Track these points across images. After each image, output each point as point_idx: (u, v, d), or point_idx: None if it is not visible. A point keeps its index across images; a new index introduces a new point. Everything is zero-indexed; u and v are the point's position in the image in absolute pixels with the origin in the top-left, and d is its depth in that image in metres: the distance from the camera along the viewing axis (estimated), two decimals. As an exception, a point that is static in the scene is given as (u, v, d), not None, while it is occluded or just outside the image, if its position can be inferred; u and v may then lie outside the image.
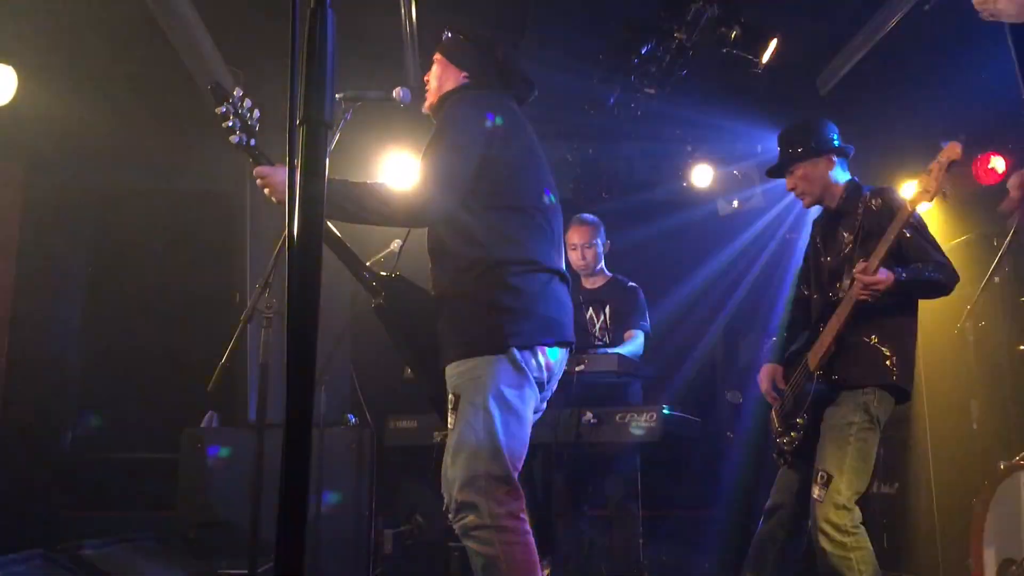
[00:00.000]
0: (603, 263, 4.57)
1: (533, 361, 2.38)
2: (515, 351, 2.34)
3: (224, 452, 4.60)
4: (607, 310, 4.46)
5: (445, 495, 2.48)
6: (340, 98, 2.75)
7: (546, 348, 2.42)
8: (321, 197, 1.09)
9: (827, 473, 2.89)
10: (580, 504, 4.32)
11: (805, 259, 3.43)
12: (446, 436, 3.90)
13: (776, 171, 3.37)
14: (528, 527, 2.32)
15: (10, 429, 5.11)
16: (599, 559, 4.41)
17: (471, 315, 2.38)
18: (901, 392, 3.02)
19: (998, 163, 4.87)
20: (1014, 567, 2.80)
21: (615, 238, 4.68)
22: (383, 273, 2.58)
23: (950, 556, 3.94)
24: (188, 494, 4.65)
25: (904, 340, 3.04)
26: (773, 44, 4.36)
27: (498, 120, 2.50)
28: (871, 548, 2.90)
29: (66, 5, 4.39)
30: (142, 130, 5.39)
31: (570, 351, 2.58)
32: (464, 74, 2.67)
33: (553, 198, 2.60)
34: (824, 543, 2.87)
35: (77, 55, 4.76)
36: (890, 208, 3.04)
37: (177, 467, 4.72)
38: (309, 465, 1.03)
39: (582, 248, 4.46)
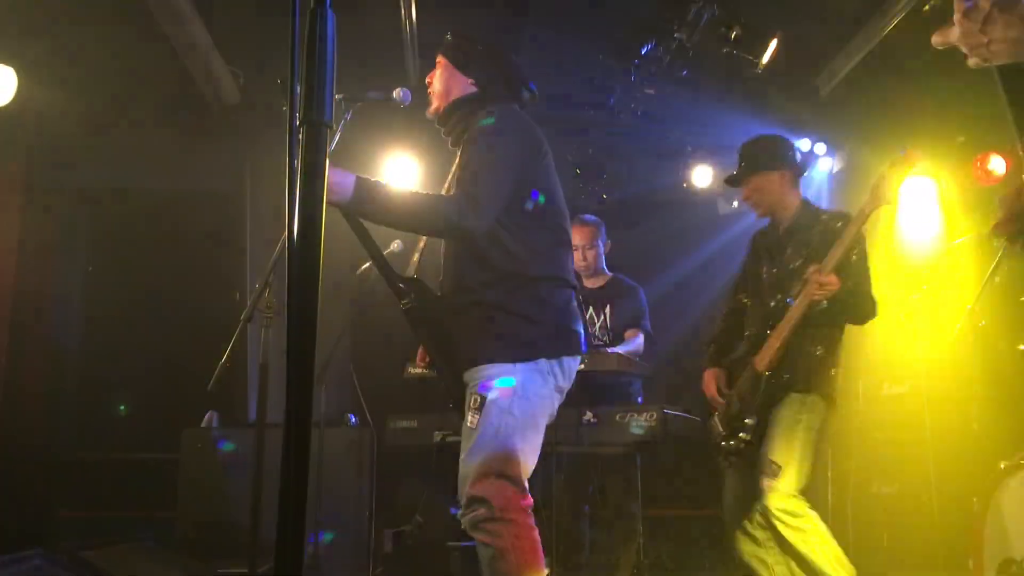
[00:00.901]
0: (604, 263, 4.58)
1: (559, 371, 2.47)
2: (544, 361, 2.43)
3: (229, 447, 4.62)
4: (608, 310, 4.46)
5: (462, 500, 2.51)
6: (340, 98, 2.74)
7: (569, 359, 2.51)
8: (321, 197, 1.09)
9: (777, 464, 3.05)
10: (580, 504, 4.32)
11: (743, 270, 3.56)
12: (446, 436, 3.91)
13: (733, 181, 3.48)
14: (535, 523, 2.38)
15: (10, 429, 5.11)
16: (599, 559, 4.41)
17: (507, 323, 2.44)
18: (833, 403, 3.25)
19: (998, 163, 4.87)
20: (1014, 567, 2.80)
21: (615, 238, 4.68)
22: (408, 276, 2.59)
23: (950, 556, 3.94)
24: (188, 494, 4.64)
25: (839, 356, 3.28)
26: (773, 44, 4.36)
27: (529, 137, 2.55)
28: (825, 527, 3.03)
29: (66, 5, 4.39)
30: (142, 130, 5.38)
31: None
32: (471, 81, 2.67)
33: (565, 211, 2.64)
34: (783, 529, 3.01)
35: (77, 55, 4.76)
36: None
37: (177, 467, 4.72)
38: (309, 465, 1.03)
39: (583, 249, 4.46)
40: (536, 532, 2.36)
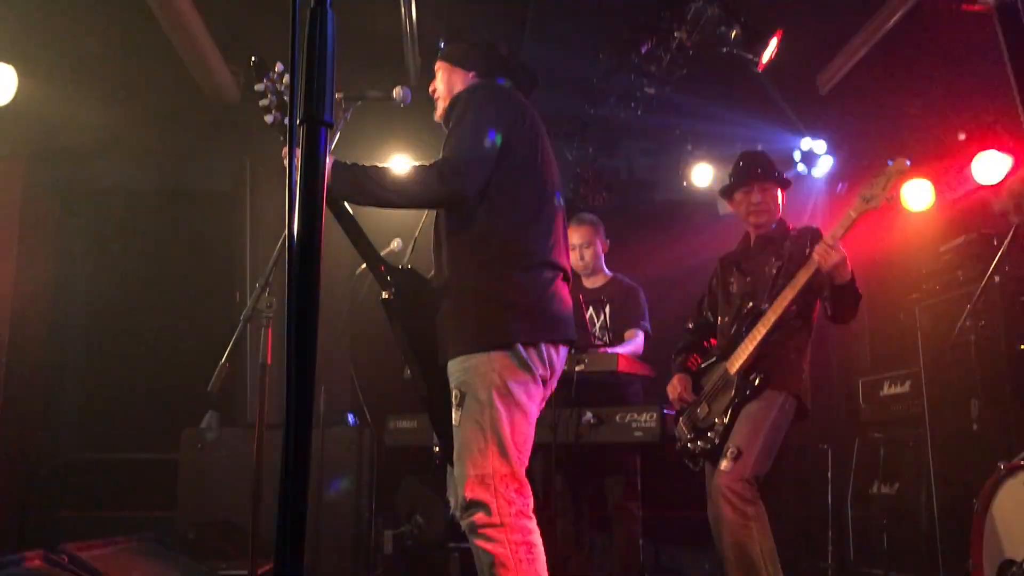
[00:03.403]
0: (603, 263, 4.57)
1: (537, 358, 2.37)
2: (520, 347, 2.34)
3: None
4: (607, 310, 4.46)
5: (452, 498, 2.48)
6: (340, 98, 2.74)
7: (549, 345, 2.41)
8: (321, 197, 1.08)
9: (738, 449, 3.13)
10: (580, 504, 4.32)
11: (709, 288, 3.71)
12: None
13: (755, 178, 3.53)
14: (536, 526, 2.31)
15: (10, 429, 5.11)
16: (599, 559, 4.40)
17: (476, 310, 2.37)
18: (804, 410, 3.30)
19: (998, 163, 4.86)
20: (1014, 567, 2.80)
21: (614, 238, 4.67)
22: (398, 267, 2.55)
23: (950, 556, 3.93)
24: (188, 494, 4.65)
25: (808, 360, 3.36)
26: (773, 44, 4.35)
27: (516, 111, 2.51)
28: (767, 521, 3.09)
29: (66, 5, 4.39)
30: (142, 130, 5.39)
31: (571, 350, 2.57)
32: (472, 74, 2.67)
33: (558, 195, 2.59)
34: (727, 510, 3.07)
35: (77, 55, 4.76)
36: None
37: (177, 467, 4.73)
38: (309, 465, 1.03)
39: (581, 248, 4.45)
40: (538, 536, 2.30)
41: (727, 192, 3.65)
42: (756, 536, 3.03)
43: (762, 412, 3.20)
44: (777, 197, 3.54)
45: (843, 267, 3.09)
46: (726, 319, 3.52)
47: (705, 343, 3.72)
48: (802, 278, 3.16)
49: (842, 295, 3.19)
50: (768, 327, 3.20)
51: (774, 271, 3.38)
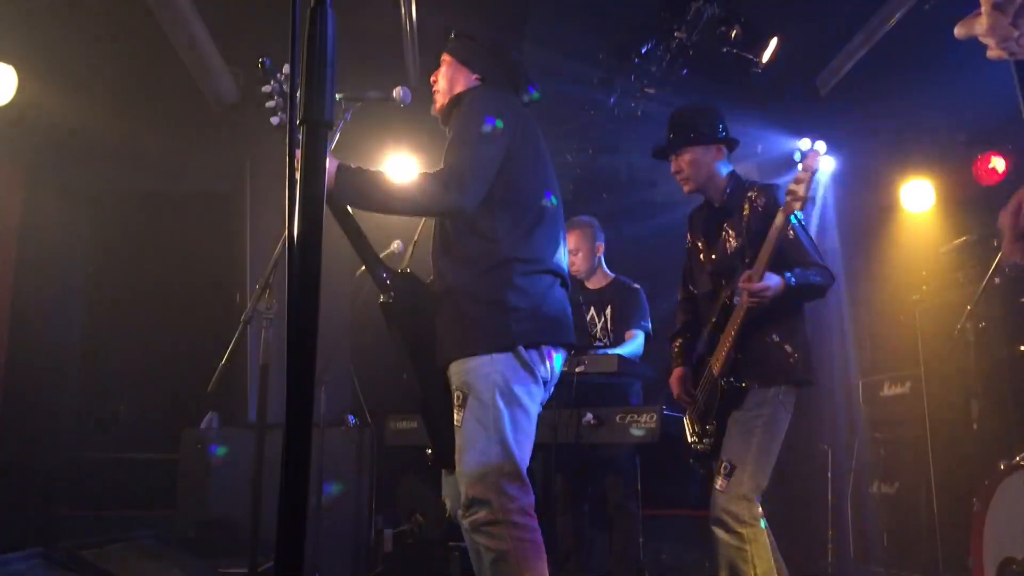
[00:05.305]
0: (603, 264, 4.56)
1: (539, 360, 2.41)
2: (522, 349, 2.37)
3: (221, 451, 4.61)
4: (608, 311, 4.46)
5: (447, 500, 2.50)
6: (340, 98, 2.74)
7: (550, 348, 2.45)
8: (321, 197, 1.09)
9: (731, 464, 2.90)
10: (580, 504, 4.32)
11: (687, 256, 3.37)
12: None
13: (663, 152, 3.25)
14: (537, 524, 2.34)
15: (10, 429, 5.11)
16: (599, 559, 4.41)
17: (479, 313, 2.39)
18: (805, 382, 3.02)
19: (998, 163, 4.87)
20: (1014, 566, 2.80)
21: (615, 238, 4.67)
22: (397, 270, 2.56)
23: (950, 556, 3.94)
24: (188, 494, 4.65)
25: (801, 334, 3.05)
26: (773, 44, 4.36)
27: (517, 119, 2.52)
28: (768, 544, 2.87)
29: (67, 6, 4.39)
30: (142, 130, 5.39)
31: (569, 353, 2.60)
32: (476, 76, 2.67)
33: (556, 200, 2.61)
34: (720, 533, 2.86)
35: (77, 55, 4.76)
36: (774, 207, 2.98)
37: (177, 467, 4.73)
38: (309, 465, 1.03)
39: (570, 253, 4.41)
40: (539, 534, 2.33)
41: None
42: (751, 559, 2.81)
43: (751, 416, 2.95)
44: (697, 159, 3.14)
45: (775, 291, 2.87)
46: (704, 296, 3.24)
47: (697, 318, 3.37)
48: (742, 310, 2.92)
49: (795, 295, 2.99)
50: (738, 325, 2.95)
51: (736, 247, 3.08)
